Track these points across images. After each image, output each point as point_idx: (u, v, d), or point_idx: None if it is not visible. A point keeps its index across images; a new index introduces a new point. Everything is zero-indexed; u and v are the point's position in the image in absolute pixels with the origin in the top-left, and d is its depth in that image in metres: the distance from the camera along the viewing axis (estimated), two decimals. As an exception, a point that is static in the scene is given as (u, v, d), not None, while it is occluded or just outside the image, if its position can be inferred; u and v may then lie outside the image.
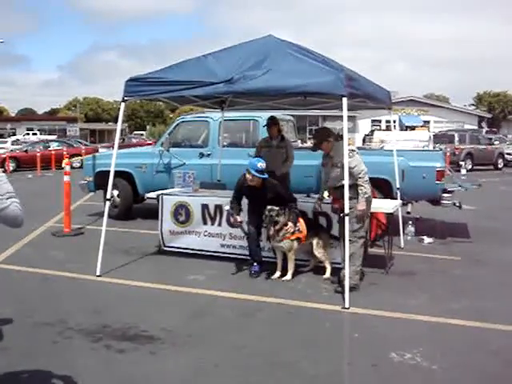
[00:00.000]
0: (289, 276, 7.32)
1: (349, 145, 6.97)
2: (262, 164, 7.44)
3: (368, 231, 7.14)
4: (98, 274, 7.48)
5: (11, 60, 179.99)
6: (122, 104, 7.84)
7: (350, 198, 6.61)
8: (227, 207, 7.75)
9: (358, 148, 7.35)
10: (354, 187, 6.70)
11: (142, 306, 6.44)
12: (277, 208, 7.25)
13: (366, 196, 6.76)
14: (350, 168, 6.59)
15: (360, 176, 6.72)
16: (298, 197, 8.04)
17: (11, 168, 27.29)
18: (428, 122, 54.56)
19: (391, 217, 8.34)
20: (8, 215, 3.28)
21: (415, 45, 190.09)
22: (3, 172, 3.54)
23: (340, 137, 7.26)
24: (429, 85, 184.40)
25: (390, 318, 5.97)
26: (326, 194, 7.37)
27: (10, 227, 3.36)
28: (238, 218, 7.58)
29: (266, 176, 7.47)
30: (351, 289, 6.43)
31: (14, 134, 74.88)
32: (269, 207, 7.27)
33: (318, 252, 7.45)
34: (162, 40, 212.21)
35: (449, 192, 10.40)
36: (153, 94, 7.77)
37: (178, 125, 12.30)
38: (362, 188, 6.73)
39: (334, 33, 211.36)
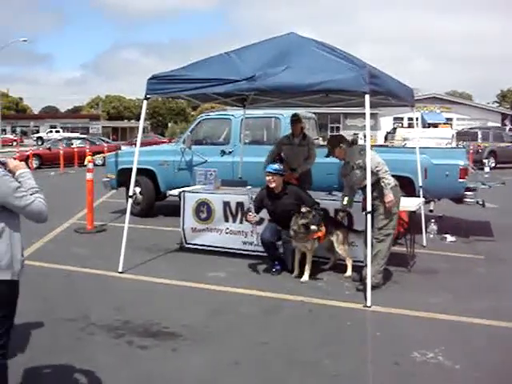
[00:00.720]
0: (306, 277, 7.26)
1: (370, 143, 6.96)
2: (278, 165, 7.55)
3: (395, 228, 7.05)
4: (120, 270, 7.53)
5: (35, 59, 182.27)
6: (144, 102, 7.88)
7: (376, 197, 6.61)
8: (251, 205, 7.70)
9: (380, 146, 7.31)
10: (377, 185, 6.68)
11: (164, 302, 6.47)
12: (312, 212, 7.18)
13: (390, 186, 6.70)
14: (365, 166, 6.56)
15: (378, 169, 6.68)
16: (319, 194, 8.03)
17: (34, 165, 27.53)
18: (451, 119, 54.04)
19: (413, 215, 8.28)
20: (33, 210, 3.33)
21: (438, 41, 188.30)
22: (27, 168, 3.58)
23: (353, 142, 7.27)
24: (452, 82, 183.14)
25: (412, 316, 5.93)
26: (345, 200, 7.28)
27: (35, 222, 3.43)
28: (253, 216, 7.50)
29: (283, 172, 7.51)
30: (373, 287, 6.40)
31: (38, 132, 75.78)
32: (305, 209, 7.21)
33: (340, 249, 7.42)
34: (183, 38, 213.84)
35: (472, 190, 10.30)
36: (175, 91, 7.79)
37: (199, 122, 12.33)
38: (384, 180, 6.69)
39: (356, 30, 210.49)
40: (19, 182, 3.38)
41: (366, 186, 6.55)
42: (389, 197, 6.67)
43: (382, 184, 6.69)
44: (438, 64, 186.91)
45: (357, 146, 7.27)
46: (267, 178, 7.48)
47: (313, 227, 7.07)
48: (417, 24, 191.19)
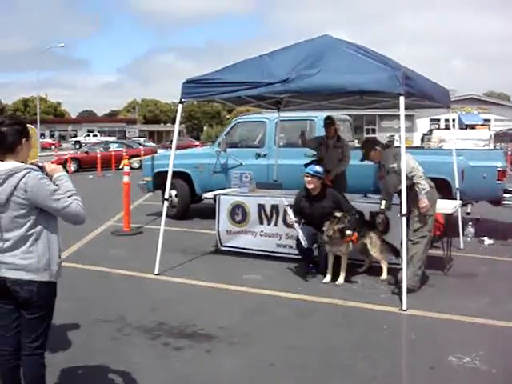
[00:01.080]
0: (341, 280, 7.23)
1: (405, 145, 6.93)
2: (319, 167, 7.49)
3: (431, 230, 6.98)
4: (156, 272, 7.60)
5: (72, 63, 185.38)
6: (180, 105, 7.96)
7: (411, 201, 6.53)
8: (286, 202, 7.70)
9: (416, 147, 7.24)
10: (412, 189, 6.61)
11: (199, 304, 6.51)
12: (347, 216, 7.16)
13: (425, 191, 6.61)
14: (400, 171, 6.52)
15: (412, 174, 6.60)
16: (354, 197, 8.00)
17: (73, 169, 27.94)
18: (488, 120, 53.15)
19: (450, 217, 8.18)
20: (70, 213, 3.40)
21: (475, 41, 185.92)
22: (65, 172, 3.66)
23: (387, 146, 7.23)
24: (489, 82, 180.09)
25: (448, 320, 5.86)
26: (383, 204, 7.24)
27: (72, 224, 3.49)
28: (293, 218, 7.51)
29: (323, 175, 7.47)
30: (409, 291, 6.34)
31: (75, 136, 76.92)
32: (340, 214, 7.19)
33: (374, 252, 7.37)
34: (218, 41, 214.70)
35: (510, 192, 10.15)
36: (209, 95, 7.83)
37: (234, 125, 12.39)
38: (419, 185, 6.61)
39: (392, 31, 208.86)
40: (56, 185, 3.45)
41: (401, 190, 6.52)
42: (423, 202, 6.59)
43: (417, 189, 6.61)
44: (475, 64, 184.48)
45: (391, 149, 7.21)
46: (306, 178, 7.46)
47: (348, 232, 7.04)
48: (454, 24, 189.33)
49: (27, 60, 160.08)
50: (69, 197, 3.44)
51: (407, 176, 6.53)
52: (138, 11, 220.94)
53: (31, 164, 3.53)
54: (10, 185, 3.30)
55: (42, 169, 3.53)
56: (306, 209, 7.61)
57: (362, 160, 7.41)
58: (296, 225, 7.47)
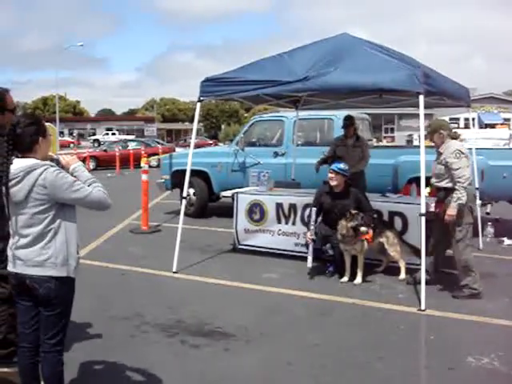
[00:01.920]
0: (359, 279, 7.19)
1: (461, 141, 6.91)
2: (344, 165, 7.48)
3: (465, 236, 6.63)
4: (174, 270, 7.63)
5: (91, 62, 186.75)
6: (198, 104, 7.97)
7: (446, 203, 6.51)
8: (313, 211, 7.56)
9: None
10: (451, 192, 6.50)
11: (217, 302, 6.53)
12: (360, 213, 7.13)
13: (459, 202, 6.33)
14: (452, 169, 6.43)
15: (459, 180, 6.34)
16: (373, 196, 7.96)
17: (91, 167, 28.11)
18: (509, 119, 52.65)
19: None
20: (93, 200, 3.46)
21: (496, 40, 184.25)
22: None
23: (456, 136, 6.92)
24: (510, 81, 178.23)
25: (467, 321, 5.82)
26: (427, 190, 7.18)
27: (98, 210, 3.56)
28: (310, 235, 7.42)
29: (347, 172, 7.46)
30: (475, 295, 6.54)
31: (94, 134, 77.39)
32: (353, 211, 7.17)
33: (391, 251, 7.33)
34: (237, 40, 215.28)
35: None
36: (228, 93, 7.85)
37: (252, 124, 12.39)
38: (457, 193, 6.34)
39: (410, 29, 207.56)
40: (74, 177, 3.49)
41: (444, 189, 6.57)
42: (451, 211, 6.38)
43: (454, 195, 6.37)
44: (495, 63, 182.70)
45: (456, 143, 6.70)
46: (330, 175, 7.44)
47: (363, 228, 7.02)
48: (474, 22, 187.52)
49: (47, 59, 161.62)
50: (89, 185, 3.49)
51: (454, 178, 6.42)
52: (157, 10, 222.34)
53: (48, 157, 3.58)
54: (29, 182, 3.33)
55: (57, 162, 3.58)
56: (326, 204, 7.58)
57: (425, 138, 7.00)
58: (311, 244, 7.44)
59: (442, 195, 6.68)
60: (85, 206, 3.49)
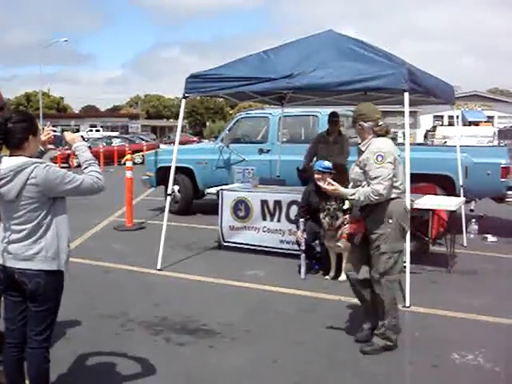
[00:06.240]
0: (344, 276, 7.19)
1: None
2: (327, 163, 7.47)
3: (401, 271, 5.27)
4: (158, 267, 7.60)
5: (76, 58, 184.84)
6: (183, 101, 7.95)
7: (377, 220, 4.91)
8: (302, 223, 7.48)
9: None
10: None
11: (202, 300, 6.51)
12: (336, 203, 7.13)
13: (353, 198, 4.99)
14: (368, 177, 4.84)
15: (373, 191, 4.74)
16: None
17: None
18: (492, 117, 53.02)
19: (454, 214, 8.16)
20: (85, 188, 3.51)
21: (479, 38, 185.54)
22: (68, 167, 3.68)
23: (383, 131, 5.16)
24: (493, 79, 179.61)
25: (451, 317, 5.85)
26: (346, 204, 6.83)
27: (91, 195, 3.65)
28: (300, 235, 7.41)
29: (332, 169, 7.45)
30: (385, 348, 4.94)
31: (78, 131, 76.85)
32: (328, 203, 7.17)
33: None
34: (224, 36, 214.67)
35: (514, 189, 10.10)
36: (213, 90, 7.82)
37: (237, 121, 12.38)
38: (364, 195, 4.83)
39: (396, 27, 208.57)
40: (76, 156, 3.64)
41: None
42: (339, 189, 5.15)
43: (359, 194, 4.90)
44: (479, 61, 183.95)
45: (382, 142, 5.01)
46: (316, 176, 7.41)
47: (338, 222, 7.05)
48: (458, 21, 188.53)
49: (32, 55, 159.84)
50: (87, 167, 3.60)
51: (363, 169, 4.96)
52: (143, 5, 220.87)
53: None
54: (20, 181, 3.33)
55: (60, 139, 3.64)
56: (314, 203, 7.57)
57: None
58: (303, 243, 7.41)
59: (358, 209, 5.12)
60: (78, 194, 3.54)
